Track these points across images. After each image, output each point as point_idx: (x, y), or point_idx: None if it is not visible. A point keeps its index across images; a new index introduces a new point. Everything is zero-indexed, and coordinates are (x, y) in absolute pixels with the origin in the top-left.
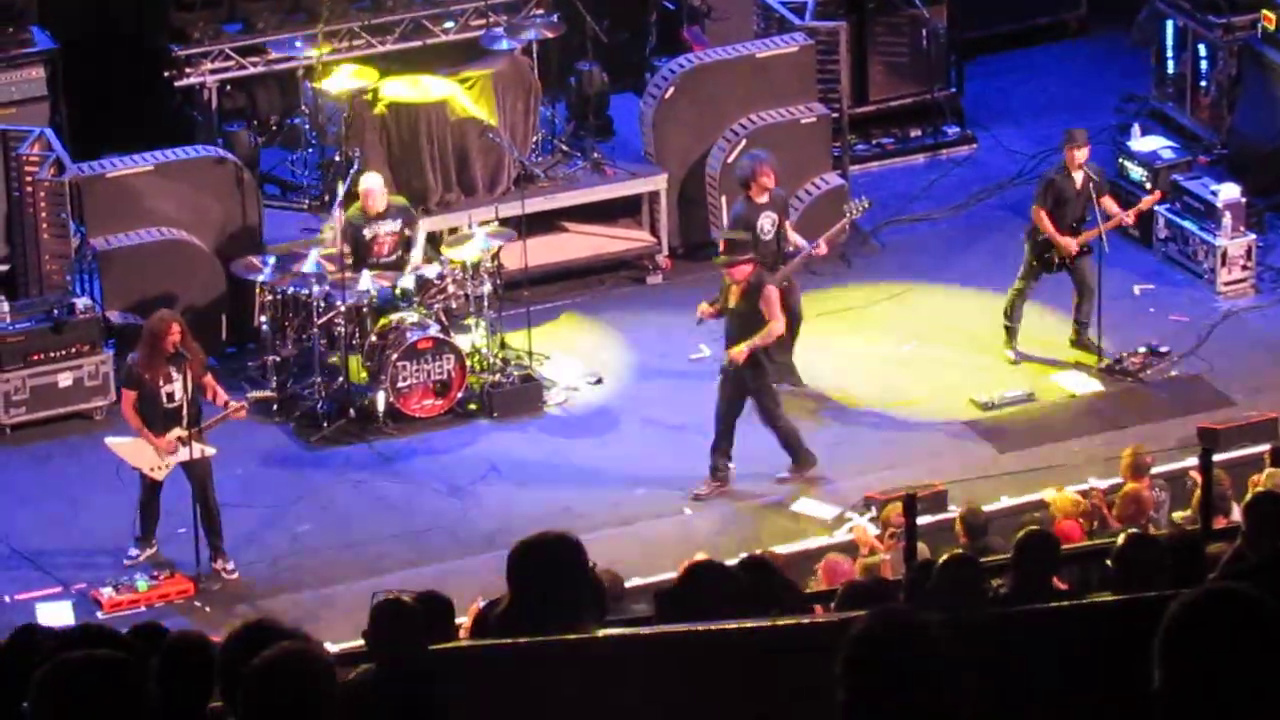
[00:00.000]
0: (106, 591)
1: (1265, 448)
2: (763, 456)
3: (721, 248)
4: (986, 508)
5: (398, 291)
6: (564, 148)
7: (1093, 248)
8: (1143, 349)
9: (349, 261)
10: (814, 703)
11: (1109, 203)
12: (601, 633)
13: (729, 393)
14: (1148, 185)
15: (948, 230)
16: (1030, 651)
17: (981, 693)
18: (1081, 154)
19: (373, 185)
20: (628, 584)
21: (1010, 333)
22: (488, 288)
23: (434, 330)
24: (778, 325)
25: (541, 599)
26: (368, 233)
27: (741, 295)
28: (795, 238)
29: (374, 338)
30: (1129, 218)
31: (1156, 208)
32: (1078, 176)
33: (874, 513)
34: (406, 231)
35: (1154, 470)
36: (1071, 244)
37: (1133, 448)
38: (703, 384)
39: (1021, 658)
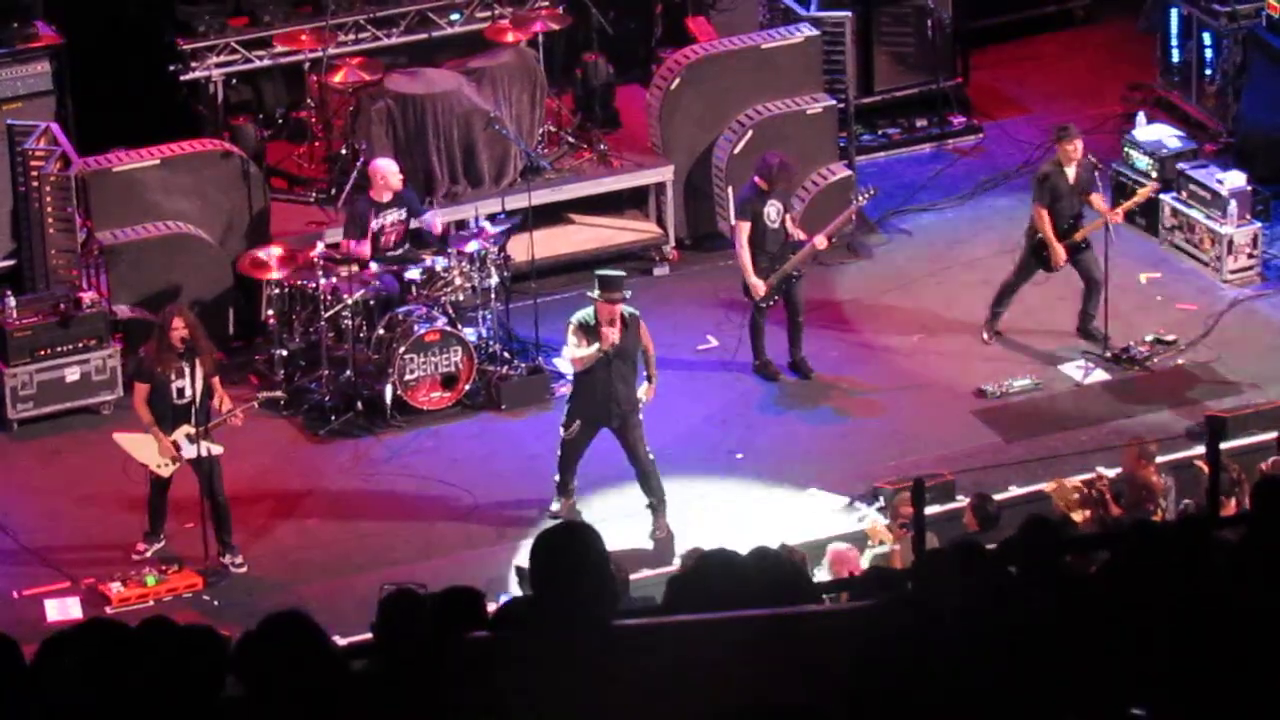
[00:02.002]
0: (115, 586)
1: (1274, 434)
2: (772, 449)
3: (596, 285)
4: (995, 497)
5: (405, 284)
6: (570, 139)
7: (1091, 243)
8: (1150, 337)
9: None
10: (823, 688)
11: (1096, 199)
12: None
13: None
14: (1153, 174)
15: (954, 220)
16: None
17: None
18: (1075, 148)
19: (386, 169)
20: (636, 575)
21: (994, 317)
22: (495, 280)
23: (441, 323)
24: (652, 351)
25: (563, 590)
26: (375, 224)
27: (623, 331)
28: (796, 231)
29: (381, 330)
30: (1118, 216)
31: (1162, 196)
32: (1070, 171)
33: (882, 503)
34: (411, 219)
35: (1162, 458)
36: (1061, 253)
37: (1136, 440)
38: (710, 375)
39: None
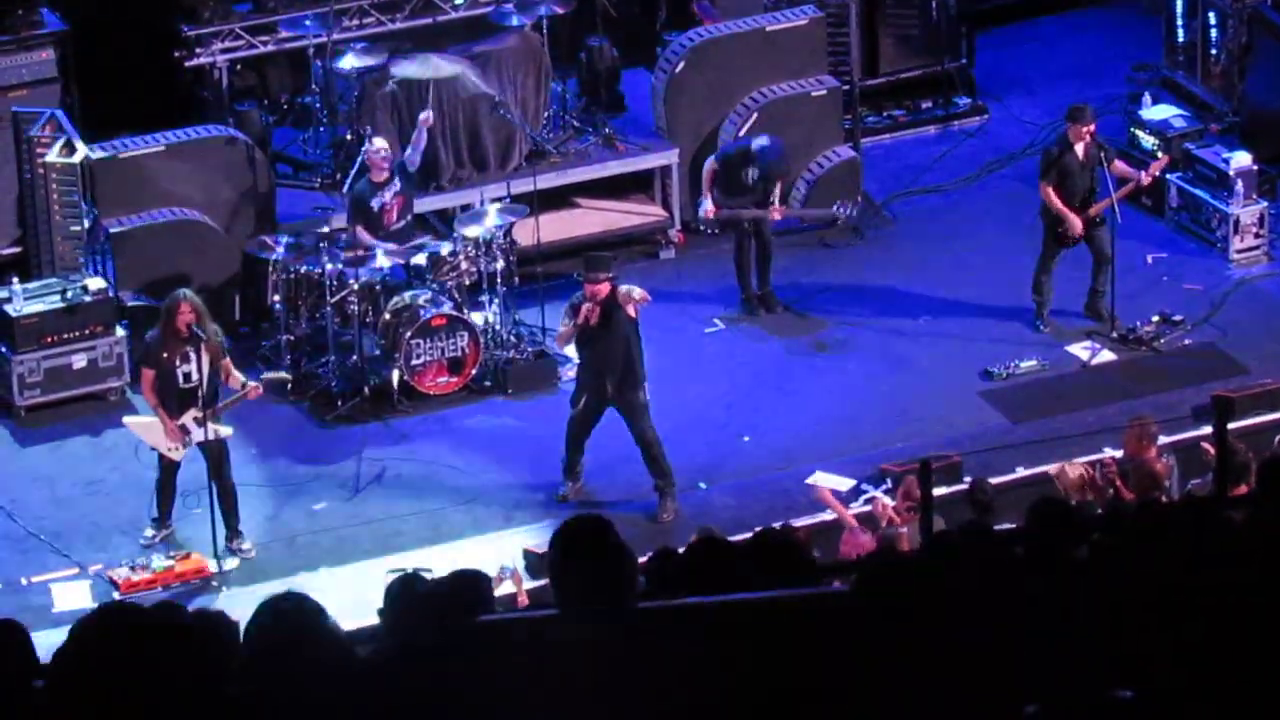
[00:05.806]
0: (123, 572)
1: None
2: (778, 431)
3: (584, 265)
4: (1001, 479)
5: (410, 268)
6: (575, 123)
7: (1106, 218)
8: (1156, 318)
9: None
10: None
11: (1121, 166)
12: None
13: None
14: (1158, 154)
15: (960, 201)
16: None
17: None
18: (1087, 128)
19: (382, 147)
20: (643, 559)
21: (1039, 306)
22: (500, 264)
23: (447, 307)
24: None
25: (585, 581)
26: (375, 203)
27: (604, 313)
28: (777, 213)
29: (387, 315)
30: (1144, 178)
31: (1168, 176)
32: (1079, 149)
33: (889, 485)
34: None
35: (1169, 439)
36: (1077, 223)
37: (1136, 419)
38: (716, 358)
39: None
